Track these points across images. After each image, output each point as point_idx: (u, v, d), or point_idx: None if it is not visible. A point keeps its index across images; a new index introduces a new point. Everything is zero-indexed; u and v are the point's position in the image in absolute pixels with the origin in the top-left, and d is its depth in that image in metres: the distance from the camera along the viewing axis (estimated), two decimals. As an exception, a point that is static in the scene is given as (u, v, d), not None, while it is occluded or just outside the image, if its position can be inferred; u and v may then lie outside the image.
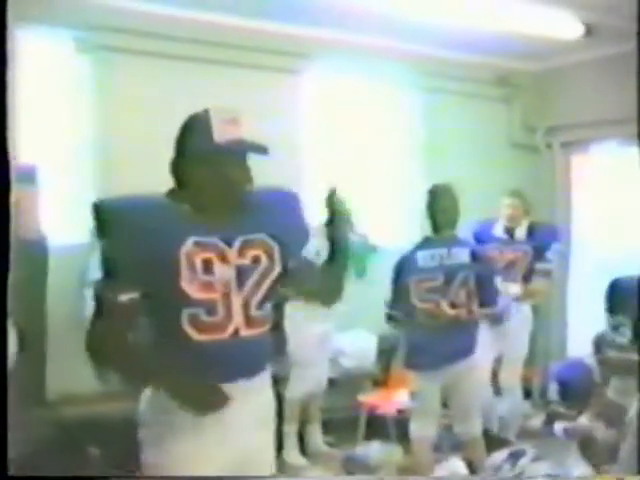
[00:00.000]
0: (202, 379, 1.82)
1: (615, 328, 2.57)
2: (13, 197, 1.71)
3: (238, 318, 1.86)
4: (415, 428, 3.82)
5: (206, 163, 1.84)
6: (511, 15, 4.80)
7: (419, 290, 3.62)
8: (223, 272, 1.85)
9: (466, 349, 3.72)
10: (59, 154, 4.71)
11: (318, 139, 5.57)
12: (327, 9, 4.75)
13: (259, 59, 5.02)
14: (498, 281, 4.09)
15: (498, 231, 4.76)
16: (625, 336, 2.55)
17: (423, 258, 3.63)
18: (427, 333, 3.64)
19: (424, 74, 5.70)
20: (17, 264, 2.19)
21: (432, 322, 3.63)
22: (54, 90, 4.72)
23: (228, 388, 1.84)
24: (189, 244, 1.80)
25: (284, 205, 2.05)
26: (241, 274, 1.88)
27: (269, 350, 2.00)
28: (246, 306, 1.88)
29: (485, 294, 3.76)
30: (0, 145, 1.71)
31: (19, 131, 4.46)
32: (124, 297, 1.76)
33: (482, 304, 3.75)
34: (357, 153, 5.71)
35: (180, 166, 1.88)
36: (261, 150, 1.87)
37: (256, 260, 1.91)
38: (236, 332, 1.86)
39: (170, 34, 4.72)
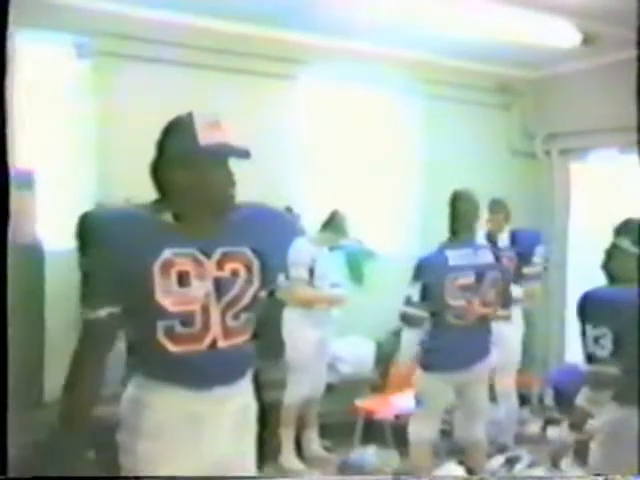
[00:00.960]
0: (178, 388, 1.83)
1: (595, 340, 2.57)
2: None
3: (216, 329, 1.86)
4: (415, 430, 3.79)
5: (188, 165, 1.82)
6: (510, 23, 4.82)
7: (452, 288, 3.61)
8: (199, 284, 1.83)
9: (484, 350, 3.76)
10: (57, 159, 4.73)
11: (315, 145, 5.58)
12: (325, 15, 4.78)
13: (256, 65, 5.06)
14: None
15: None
16: (606, 349, 2.55)
17: (453, 257, 3.64)
18: (451, 333, 3.64)
19: (423, 81, 5.72)
20: (13, 268, 2.21)
21: (460, 321, 3.63)
22: (53, 95, 4.74)
23: (204, 395, 1.86)
24: (165, 256, 1.79)
25: (267, 222, 2.01)
26: (219, 286, 1.86)
27: (248, 358, 1.99)
28: (224, 317, 1.87)
29: (507, 296, 3.84)
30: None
31: (17, 135, 4.50)
32: (103, 312, 1.76)
33: (503, 305, 3.84)
34: (355, 160, 5.72)
35: (161, 168, 1.86)
36: (243, 154, 1.84)
37: (235, 273, 1.89)
38: (214, 343, 1.86)
39: (169, 40, 4.75)
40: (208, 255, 1.86)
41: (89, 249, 1.78)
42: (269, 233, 1.97)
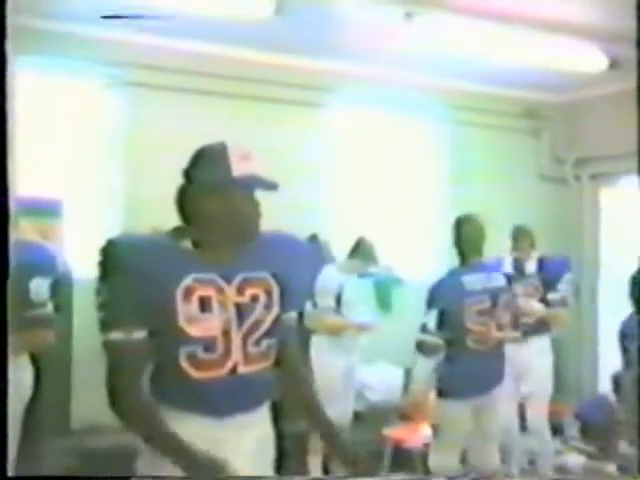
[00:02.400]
0: (199, 416, 1.83)
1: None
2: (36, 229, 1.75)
3: (237, 355, 1.86)
4: (436, 460, 3.73)
5: (218, 195, 1.83)
6: (537, 48, 4.82)
7: (470, 313, 3.59)
8: (221, 310, 1.84)
9: (499, 375, 3.72)
10: (86, 188, 4.79)
11: (343, 172, 5.61)
12: (353, 42, 4.81)
13: (285, 93, 5.10)
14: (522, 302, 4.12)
15: (507, 267, 4.72)
16: None
17: (468, 282, 3.61)
18: (470, 358, 3.59)
19: (451, 107, 5.72)
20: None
21: (479, 346, 3.60)
22: (84, 125, 4.82)
23: (225, 423, 1.85)
24: (187, 282, 1.80)
25: (287, 248, 2.02)
26: (240, 311, 1.87)
27: (269, 385, 1.97)
28: (245, 343, 1.87)
29: (516, 317, 3.82)
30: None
31: (46, 165, 4.58)
32: (127, 335, 1.77)
33: (515, 326, 3.81)
34: (383, 186, 5.73)
35: (188, 195, 1.87)
36: (272, 186, 1.85)
37: (254, 298, 1.89)
38: (234, 369, 1.85)
39: (198, 70, 4.82)
40: (229, 281, 1.86)
41: (112, 275, 1.79)
42: (289, 259, 1.97)
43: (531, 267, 4.72)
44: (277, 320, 1.93)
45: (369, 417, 5.06)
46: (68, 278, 4.09)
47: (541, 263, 4.75)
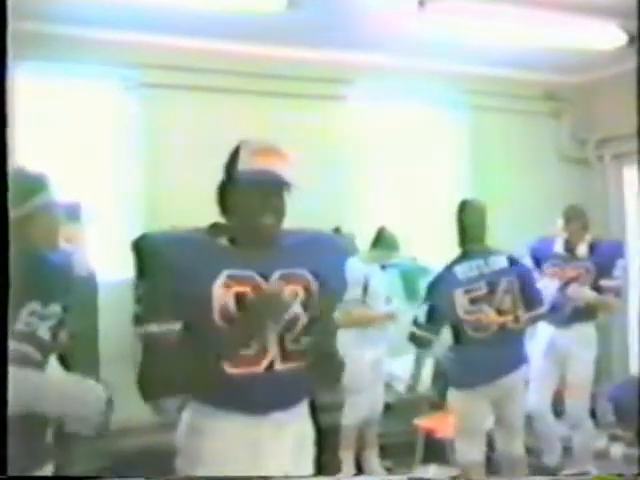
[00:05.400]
0: (235, 414, 1.83)
1: None
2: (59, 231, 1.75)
3: (273, 352, 1.85)
4: (462, 451, 3.73)
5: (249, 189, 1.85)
6: (553, 28, 4.76)
7: (464, 302, 3.57)
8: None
9: (517, 360, 3.67)
10: (105, 190, 4.81)
11: (364, 163, 5.58)
12: (367, 32, 4.78)
13: (302, 87, 5.08)
14: (539, 282, 4.03)
15: (558, 248, 4.62)
16: None
17: (462, 271, 3.59)
18: (473, 347, 3.59)
19: (469, 93, 5.69)
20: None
21: (480, 334, 3.57)
22: (101, 127, 4.84)
23: (261, 421, 1.85)
24: (224, 277, 1.81)
25: (324, 245, 2.02)
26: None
27: (306, 384, 1.96)
28: (282, 340, 1.86)
29: (529, 297, 3.70)
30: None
31: (65, 168, 4.60)
32: (163, 328, 1.78)
33: (528, 308, 3.68)
34: (404, 176, 5.70)
35: (227, 190, 1.90)
36: (284, 184, 1.87)
37: (293, 295, 1.88)
38: (271, 365, 1.85)
39: (214, 68, 4.82)
40: (266, 277, 1.86)
41: (149, 270, 1.82)
42: (326, 256, 1.97)
43: (583, 250, 4.56)
44: (316, 318, 1.91)
45: (400, 408, 5.03)
46: (91, 280, 4.11)
47: (593, 247, 4.58)
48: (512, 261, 3.71)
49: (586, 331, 4.55)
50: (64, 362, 2.97)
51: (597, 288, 4.49)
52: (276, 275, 1.87)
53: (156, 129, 4.81)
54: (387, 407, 4.84)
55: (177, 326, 1.79)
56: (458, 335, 3.62)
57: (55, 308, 2.11)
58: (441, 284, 3.61)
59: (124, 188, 4.85)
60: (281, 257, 1.90)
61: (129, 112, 4.87)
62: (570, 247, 4.55)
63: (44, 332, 2.08)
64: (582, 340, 4.50)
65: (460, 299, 3.56)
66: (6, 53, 1.65)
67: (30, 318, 2.03)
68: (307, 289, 1.90)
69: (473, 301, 3.57)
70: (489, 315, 3.57)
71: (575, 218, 4.57)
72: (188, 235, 1.91)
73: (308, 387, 1.99)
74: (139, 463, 3.57)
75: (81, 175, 4.65)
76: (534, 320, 3.83)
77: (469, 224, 3.66)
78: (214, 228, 1.91)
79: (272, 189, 1.86)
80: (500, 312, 3.61)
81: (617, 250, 4.67)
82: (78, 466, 3.75)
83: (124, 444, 4.19)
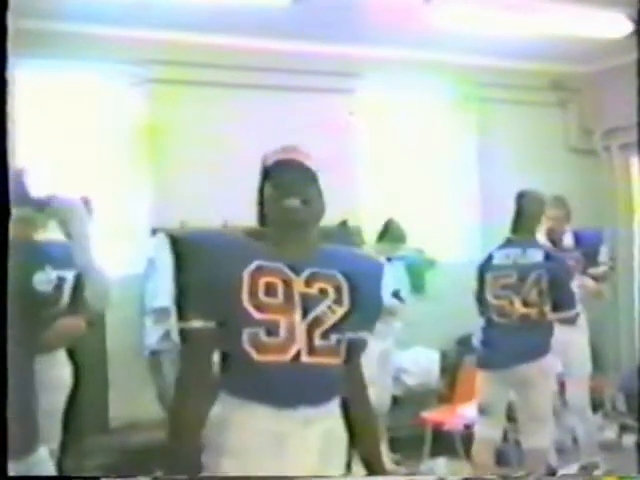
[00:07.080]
0: (261, 406, 1.83)
1: None
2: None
3: (301, 343, 1.85)
4: (480, 429, 3.80)
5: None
6: (559, 18, 4.74)
7: (494, 287, 3.71)
8: (286, 297, 1.86)
9: (538, 350, 3.68)
10: (114, 186, 4.80)
11: (372, 156, 5.57)
12: (373, 25, 4.76)
13: (310, 81, 5.06)
14: (574, 285, 3.98)
15: (541, 239, 4.60)
16: None
17: (499, 257, 3.75)
18: (497, 331, 3.70)
19: (477, 84, 5.66)
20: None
21: (503, 320, 3.68)
22: (110, 124, 4.84)
23: (288, 414, 1.84)
24: (255, 265, 1.85)
25: (356, 254, 2.13)
26: (306, 302, 1.88)
27: (336, 381, 1.94)
28: (310, 334, 1.87)
29: (560, 297, 3.72)
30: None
31: (74, 165, 4.60)
32: (198, 324, 1.83)
33: (557, 307, 3.70)
34: (412, 168, 5.70)
35: (264, 193, 1.95)
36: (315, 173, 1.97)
37: (323, 292, 1.90)
38: (297, 356, 1.84)
39: (223, 63, 4.80)
40: (297, 273, 1.89)
41: (182, 267, 1.85)
42: (359, 262, 2.04)
43: (568, 240, 4.61)
44: (346, 317, 1.91)
45: (407, 401, 5.03)
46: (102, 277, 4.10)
47: (576, 236, 4.64)
48: (548, 256, 3.75)
49: (581, 317, 4.56)
50: (72, 356, 2.99)
51: (586, 276, 4.56)
52: (307, 272, 1.90)
53: (164, 124, 4.80)
54: (395, 400, 4.83)
55: (211, 323, 1.84)
56: (485, 318, 3.76)
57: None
58: (479, 266, 3.80)
59: (131, 184, 4.85)
60: (313, 257, 1.93)
61: (137, 108, 4.86)
62: (552, 237, 4.53)
63: None
64: (577, 328, 4.47)
65: (491, 283, 3.72)
66: (6, 52, 1.65)
67: None
68: (337, 288, 1.92)
69: (502, 287, 3.70)
70: (514, 304, 3.65)
71: (558, 207, 4.56)
72: (221, 233, 1.98)
73: (338, 385, 1.97)
74: (147, 459, 3.58)
75: (88, 171, 4.65)
76: (562, 322, 3.83)
77: (522, 212, 3.75)
78: (251, 232, 1.97)
79: (295, 175, 1.92)
80: (526, 303, 3.66)
81: (598, 238, 4.81)
82: (85, 462, 3.77)
83: (130, 439, 4.21)
